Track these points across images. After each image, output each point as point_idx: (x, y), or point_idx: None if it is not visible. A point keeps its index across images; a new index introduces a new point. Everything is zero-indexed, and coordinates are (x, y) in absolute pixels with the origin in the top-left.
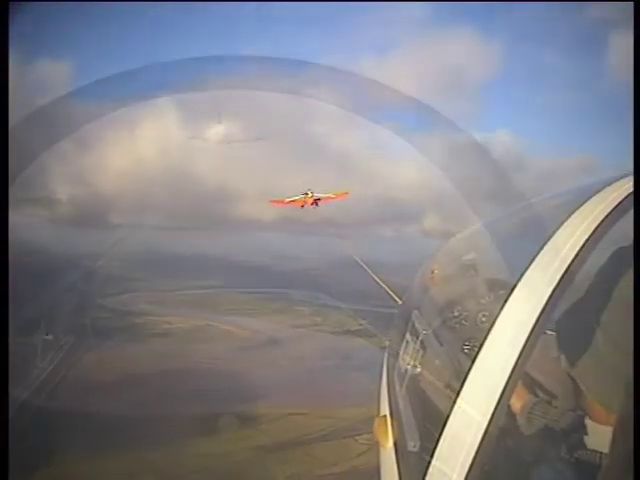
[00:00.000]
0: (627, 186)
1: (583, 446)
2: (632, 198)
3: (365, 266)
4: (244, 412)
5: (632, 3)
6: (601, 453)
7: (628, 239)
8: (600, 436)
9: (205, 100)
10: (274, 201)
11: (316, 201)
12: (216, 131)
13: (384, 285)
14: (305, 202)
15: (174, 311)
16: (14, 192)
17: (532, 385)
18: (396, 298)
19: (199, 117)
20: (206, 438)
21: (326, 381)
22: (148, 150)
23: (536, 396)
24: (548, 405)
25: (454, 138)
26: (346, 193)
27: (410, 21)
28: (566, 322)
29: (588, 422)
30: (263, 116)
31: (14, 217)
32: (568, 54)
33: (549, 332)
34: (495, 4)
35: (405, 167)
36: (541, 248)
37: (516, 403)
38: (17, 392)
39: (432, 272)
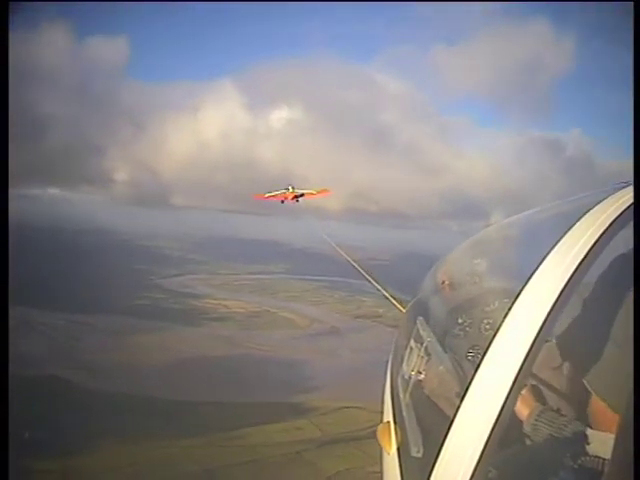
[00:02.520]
0: (627, 197)
1: (586, 453)
2: (632, 209)
3: (349, 258)
4: (298, 403)
5: (632, 3)
6: (604, 459)
7: (627, 246)
8: (602, 443)
9: (270, 84)
10: (256, 195)
11: (297, 197)
12: (280, 116)
13: (383, 290)
14: (286, 197)
15: (233, 295)
16: (72, 171)
17: (539, 392)
18: (397, 305)
19: (263, 101)
20: (257, 428)
21: (383, 375)
22: (211, 134)
23: (543, 404)
24: (555, 413)
25: (526, 134)
26: (326, 190)
27: (482, 13)
28: (567, 329)
29: (591, 430)
30: (330, 102)
31: (72, 195)
32: None
33: (552, 340)
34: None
35: (474, 162)
36: (545, 257)
37: (523, 410)
38: (66, 372)
39: (443, 282)
